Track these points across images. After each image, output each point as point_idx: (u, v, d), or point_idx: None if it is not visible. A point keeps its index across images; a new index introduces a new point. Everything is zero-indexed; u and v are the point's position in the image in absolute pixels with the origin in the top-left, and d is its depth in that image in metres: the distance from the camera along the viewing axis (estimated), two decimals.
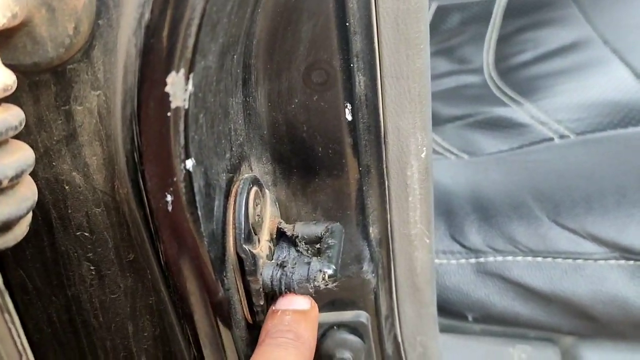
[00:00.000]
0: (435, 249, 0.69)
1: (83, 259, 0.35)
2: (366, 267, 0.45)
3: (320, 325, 0.46)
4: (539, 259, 0.67)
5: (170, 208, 0.30)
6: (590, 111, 0.82)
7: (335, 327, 0.46)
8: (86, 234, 0.34)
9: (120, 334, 0.38)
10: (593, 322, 0.67)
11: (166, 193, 0.30)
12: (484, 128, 0.85)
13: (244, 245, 0.35)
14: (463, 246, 0.68)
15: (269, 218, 0.39)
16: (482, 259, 0.67)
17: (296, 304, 0.36)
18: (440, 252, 0.69)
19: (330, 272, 0.36)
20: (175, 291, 0.33)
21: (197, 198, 0.31)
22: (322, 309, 0.46)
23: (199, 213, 0.31)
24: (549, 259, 0.66)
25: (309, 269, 0.36)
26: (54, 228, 0.34)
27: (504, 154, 0.79)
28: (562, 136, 0.80)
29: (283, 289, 0.36)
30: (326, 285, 0.36)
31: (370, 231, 0.45)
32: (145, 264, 0.34)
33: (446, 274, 0.68)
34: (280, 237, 0.40)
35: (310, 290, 0.36)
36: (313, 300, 0.37)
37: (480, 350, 0.70)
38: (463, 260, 0.68)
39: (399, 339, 0.51)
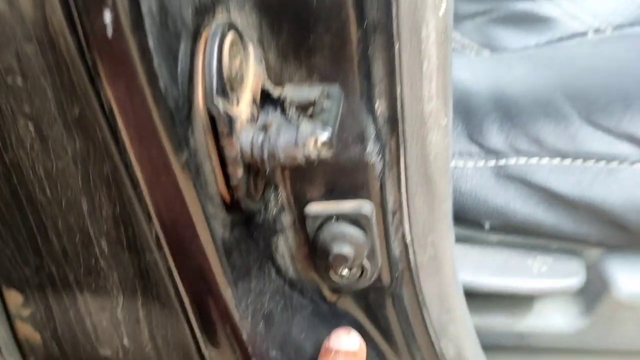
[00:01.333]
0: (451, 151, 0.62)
1: (19, 115, 0.28)
2: (370, 147, 0.38)
3: (316, 217, 0.40)
4: (567, 161, 0.59)
5: (109, 32, 0.23)
6: (630, 3, 0.72)
7: (333, 219, 0.40)
8: (18, 79, 0.27)
9: (73, 212, 0.32)
10: (624, 233, 0.60)
11: (103, 8, 0.22)
12: (507, 23, 0.76)
13: (215, 100, 0.28)
14: (482, 147, 0.61)
15: (253, 77, 0.32)
16: (502, 162, 0.60)
17: (348, 344, 0.40)
18: (457, 153, 0.62)
19: (324, 137, 0.29)
20: (124, 151, 0.27)
21: (147, 22, 0.23)
22: (319, 197, 0.40)
23: (150, 44, 0.24)
24: (579, 162, 0.59)
25: (297, 132, 0.29)
26: None
27: (529, 50, 0.70)
28: (597, 30, 0.71)
29: (265, 156, 0.30)
30: (319, 153, 0.29)
31: (377, 106, 0.37)
32: (93, 119, 0.28)
33: (462, 178, 0.61)
34: (266, 100, 0.33)
35: (300, 159, 0.29)
36: (362, 340, 0.41)
37: (496, 262, 0.64)
38: (481, 163, 0.61)
39: (408, 238, 0.45)
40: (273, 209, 0.40)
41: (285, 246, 0.42)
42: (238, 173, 0.30)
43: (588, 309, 0.67)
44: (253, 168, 0.32)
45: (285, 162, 0.30)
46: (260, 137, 0.30)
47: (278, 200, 0.40)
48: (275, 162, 0.30)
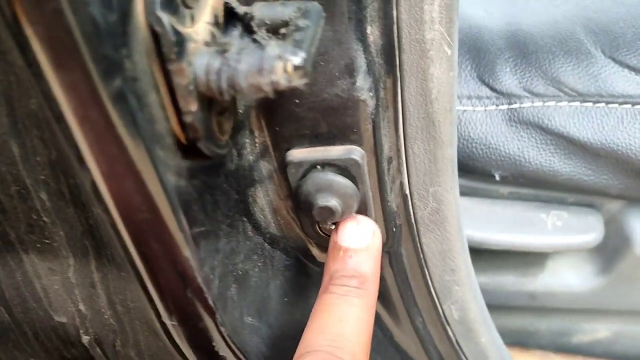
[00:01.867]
0: (459, 94, 0.55)
1: None
2: (361, 82, 0.32)
3: (299, 164, 0.34)
4: (588, 104, 0.53)
5: None
6: None
7: (318, 167, 0.34)
8: None
9: (3, 158, 0.27)
10: None
11: None
12: None
13: (159, 13, 0.22)
14: (493, 90, 0.55)
15: None
16: (516, 105, 0.54)
17: (359, 240, 0.35)
18: (465, 97, 0.55)
19: (296, 60, 0.23)
20: (42, 79, 0.21)
21: None
22: (302, 143, 0.34)
23: None
24: (601, 104, 0.53)
25: (263, 55, 0.24)
26: None
27: None
28: None
29: (224, 85, 0.24)
30: (289, 81, 0.24)
31: (369, 32, 0.31)
32: (7, 41, 0.22)
33: (471, 123, 0.55)
34: (230, 20, 0.27)
35: (265, 88, 0.24)
36: (377, 227, 0.36)
37: (507, 217, 0.58)
38: (493, 107, 0.55)
39: (407, 190, 0.40)
40: (249, 156, 0.34)
41: (264, 199, 0.37)
42: (191, 107, 0.24)
43: (606, 267, 0.62)
44: (215, 103, 0.26)
45: (248, 93, 0.24)
46: (218, 62, 0.24)
47: (255, 146, 0.35)
48: (237, 91, 0.24)
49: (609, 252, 0.61)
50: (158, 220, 0.25)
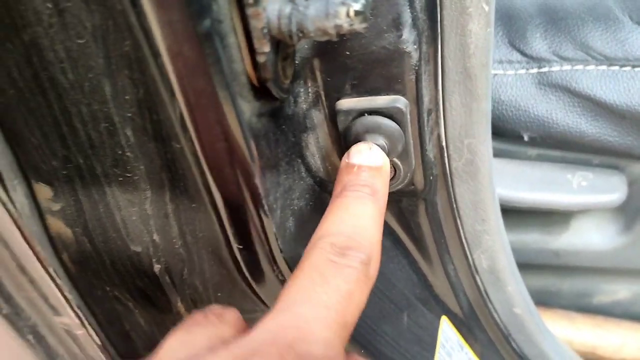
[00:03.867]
0: None
1: None
2: (407, 35, 0.35)
3: (348, 112, 0.38)
4: (616, 67, 0.55)
5: None
6: None
7: (366, 115, 0.38)
8: None
9: (97, 97, 0.31)
10: None
11: None
12: None
13: None
14: (524, 54, 0.58)
15: None
16: (545, 69, 0.57)
17: (371, 159, 0.36)
18: (496, 61, 0.58)
19: (357, 6, 0.27)
20: (144, 19, 0.25)
21: None
22: (351, 93, 0.38)
23: None
24: (628, 68, 0.55)
25: (328, 2, 0.27)
26: None
27: None
28: None
29: (294, 28, 0.28)
30: (351, 25, 0.27)
31: None
32: None
33: (502, 87, 0.58)
34: None
35: (330, 31, 0.27)
36: (386, 156, 0.37)
37: (534, 176, 0.61)
38: (523, 71, 0.58)
39: (443, 142, 0.43)
40: (303, 105, 0.38)
41: (315, 145, 0.40)
42: (264, 48, 0.28)
43: (628, 227, 0.65)
44: (281, 47, 0.30)
45: (315, 36, 0.28)
46: (289, 8, 0.27)
47: (308, 95, 0.38)
48: (305, 35, 0.28)
49: (631, 212, 0.64)
50: (234, 148, 0.29)
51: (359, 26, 0.27)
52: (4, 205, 0.34)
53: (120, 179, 0.35)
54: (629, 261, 0.68)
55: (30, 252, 0.35)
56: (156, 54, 0.26)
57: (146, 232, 0.37)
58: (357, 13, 0.27)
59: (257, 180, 0.31)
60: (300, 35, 0.28)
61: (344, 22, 0.27)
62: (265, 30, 0.27)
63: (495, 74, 0.58)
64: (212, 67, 0.26)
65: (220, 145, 0.29)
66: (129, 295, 0.42)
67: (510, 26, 0.59)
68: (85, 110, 0.31)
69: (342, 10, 0.27)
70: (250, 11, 0.27)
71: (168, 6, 0.24)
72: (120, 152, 0.33)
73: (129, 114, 0.31)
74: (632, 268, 0.70)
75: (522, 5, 0.60)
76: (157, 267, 0.39)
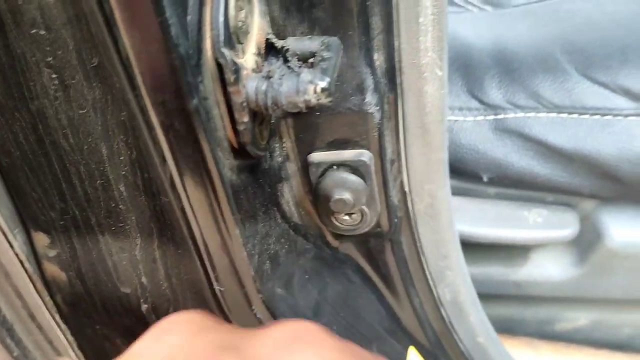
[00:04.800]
0: (451, 105, 0.64)
1: (42, 65, 0.31)
2: (369, 98, 0.40)
3: (318, 165, 0.42)
4: (564, 115, 0.61)
5: None
6: None
7: (334, 167, 0.42)
8: (42, 32, 0.30)
9: (94, 158, 0.35)
10: (617, 184, 0.63)
11: None
12: None
13: (222, 49, 0.30)
14: (481, 102, 0.63)
15: (257, 29, 0.34)
16: (501, 116, 0.62)
17: None
18: (457, 108, 0.64)
19: (323, 84, 0.32)
20: (140, 97, 0.29)
21: None
22: (321, 147, 0.42)
23: None
24: (575, 115, 0.61)
25: (298, 80, 0.32)
26: (5, 25, 0.29)
27: (532, 5, 0.71)
28: None
29: (269, 102, 0.32)
30: (318, 100, 0.32)
31: (375, 58, 0.39)
32: (111, 68, 0.30)
33: (462, 132, 0.63)
34: (269, 51, 0.35)
35: (300, 105, 0.32)
36: None
37: (493, 214, 0.66)
38: (480, 117, 0.63)
39: (406, 187, 0.48)
40: (278, 158, 0.42)
41: (289, 193, 0.44)
42: (244, 118, 0.32)
43: (582, 259, 0.70)
44: (258, 116, 0.34)
45: (287, 108, 0.32)
46: (265, 85, 0.32)
47: (283, 150, 0.43)
48: (278, 108, 0.32)
49: (584, 245, 0.69)
50: (217, 205, 0.33)
51: (324, 100, 0.32)
52: (17, 256, 0.37)
53: (113, 228, 0.38)
54: (586, 290, 0.73)
55: (40, 302, 0.38)
56: (150, 127, 0.30)
57: (135, 275, 0.41)
58: (323, 90, 0.32)
59: (237, 232, 0.35)
60: (275, 107, 0.32)
61: (311, 97, 0.31)
62: (245, 104, 0.32)
63: (456, 120, 0.63)
64: (199, 136, 0.31)
65: (205, 203, 0.33)
66: (117, 334, 0.45)
67: (469, 76, 0.64)
68: (83, 169, 0.35)
69: (310, 88, 0.31)
70: (231, 89, 0.31)
71: (162, 89, 0.29)
72: (113, 205, 0.37)
73: (123, 172, 0.35)
74: (589, 297, 0.75)
75: (479, 57, 0.65)
76: (144, 307, 0.43)
